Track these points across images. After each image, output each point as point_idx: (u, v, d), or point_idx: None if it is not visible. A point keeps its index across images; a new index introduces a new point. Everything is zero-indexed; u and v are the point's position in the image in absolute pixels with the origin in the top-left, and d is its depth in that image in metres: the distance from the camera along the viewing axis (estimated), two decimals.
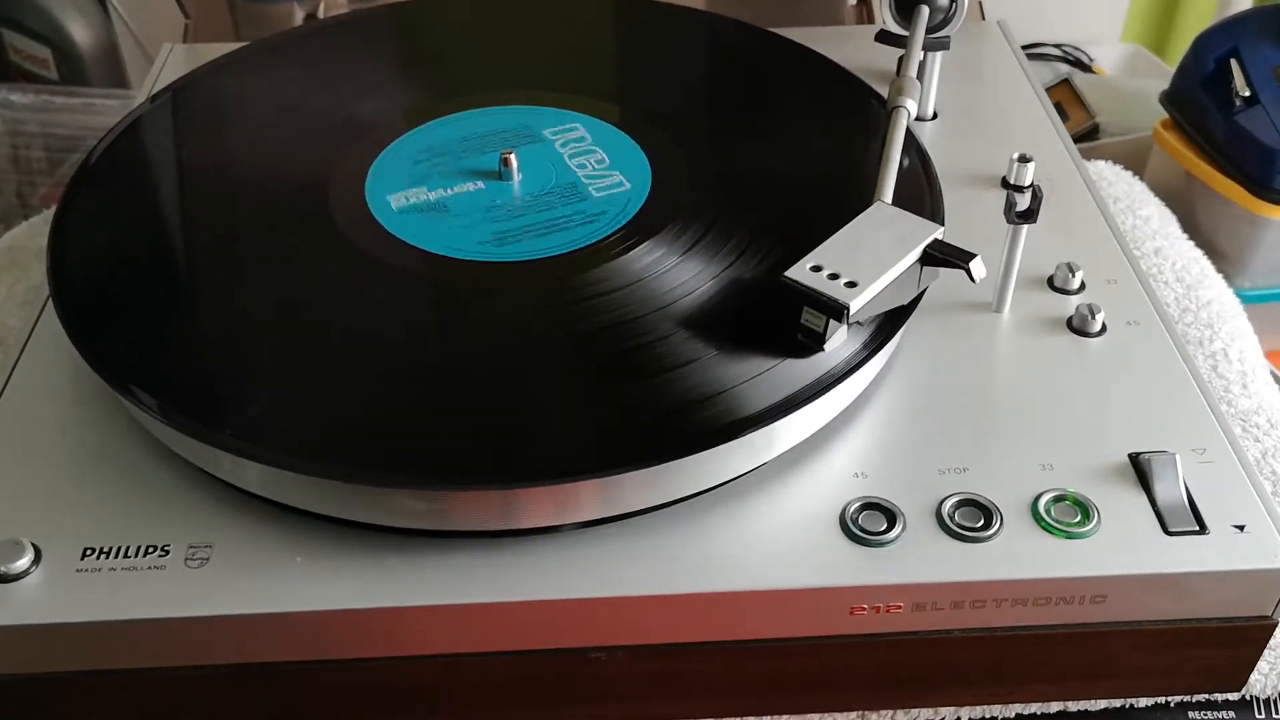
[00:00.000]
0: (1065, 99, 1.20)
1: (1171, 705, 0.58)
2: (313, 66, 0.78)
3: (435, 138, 0.71)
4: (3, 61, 1.33)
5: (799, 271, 0.55)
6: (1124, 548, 0.51)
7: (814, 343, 0.55)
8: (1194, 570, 0.51)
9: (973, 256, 0.56)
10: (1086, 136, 1.16)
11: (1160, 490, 0.53)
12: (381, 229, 0.63)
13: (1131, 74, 1.33)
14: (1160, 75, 1.23)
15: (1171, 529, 0.52)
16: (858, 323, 0.55)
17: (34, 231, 0.87)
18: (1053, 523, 0.52)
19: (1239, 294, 0.81)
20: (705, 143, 0.71)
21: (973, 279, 0.55)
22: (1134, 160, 0.96)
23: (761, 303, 0.58)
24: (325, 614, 0.50)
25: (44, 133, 1.17)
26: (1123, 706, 0.58)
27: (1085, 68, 1.32)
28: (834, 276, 0.54)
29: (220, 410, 0.54)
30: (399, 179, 0.67)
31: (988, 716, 0.58)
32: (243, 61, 0.78)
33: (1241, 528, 0.52)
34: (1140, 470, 0.54)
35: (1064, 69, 1.31)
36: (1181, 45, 1.27)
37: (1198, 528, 0.52)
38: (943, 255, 0.56)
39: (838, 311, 0.53)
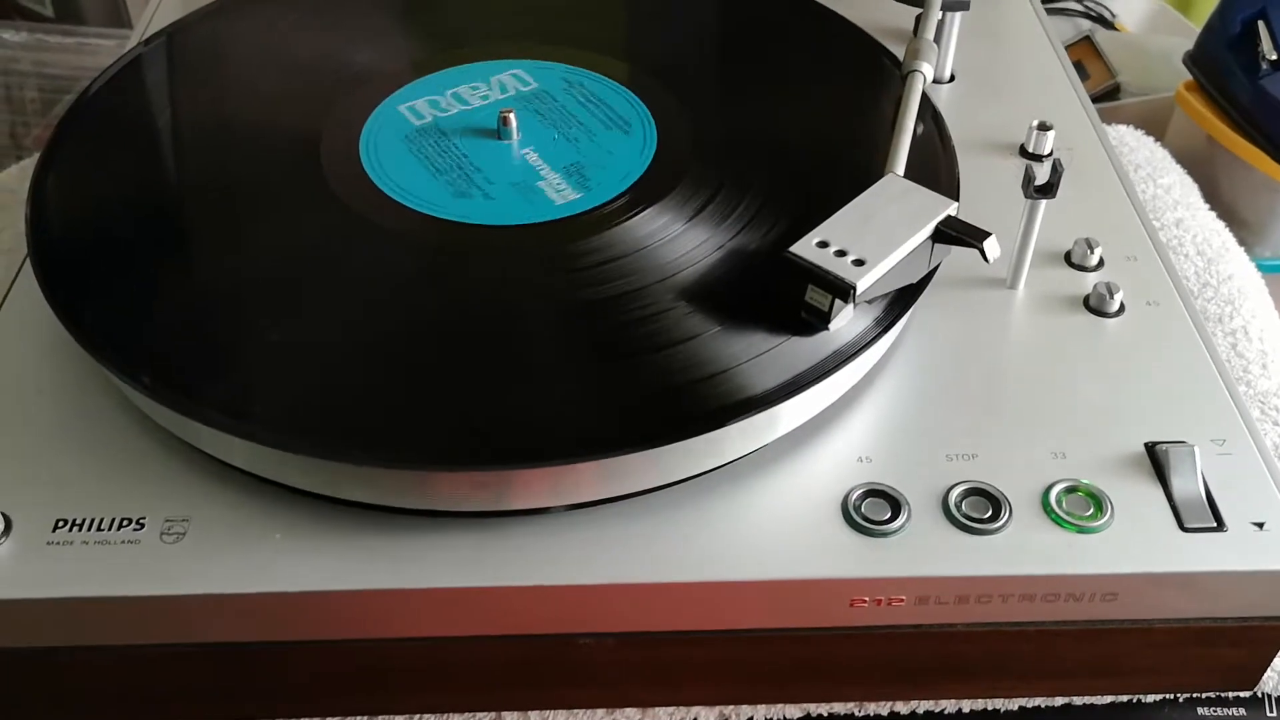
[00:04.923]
0: (1086, 56, 1.18)
1: (1180, 701, 0.56)
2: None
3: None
4: None
5: (804, 247, 0.52)
6: (1138, 544, 0.49)
7: (818, 322, 0.52)
8: (1210, 570, 0.49)
9: (987, 235, 0.53)
10: (1107, 96, 1.14)
11: (1177, 484, 0.51)
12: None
13: (1155, 32, 1.31)
14: (1185, 34, 1.20)
15: (1188, 525, 0.50)
16: (865, 302, 0.53)
17: (24, 175, 0.85)
18: (1064, 515, 0.50)
19: (1260, 264, 0.79)
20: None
21: (986, 258, 0.53)
22: (1154, 122, 0.94)
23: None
24: (305, 595, 0.48)
25: (37, 72, 1.14)
26: (1129, 701, 0.56)
27: (1108, 24, 1.29)
28: (841, 253, 0.52)
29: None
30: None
31: (990, 709, 0.56)
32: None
33: (1261, 525, 0.50)
34: (1157, 462, 0.52)
35: (1086, 25, 1.28)
36: (1207, 3, 1.25)
37: (1215, 524, 0.50)
38: (956, 233, 0.54)
39: (844, 291, 0.51)
